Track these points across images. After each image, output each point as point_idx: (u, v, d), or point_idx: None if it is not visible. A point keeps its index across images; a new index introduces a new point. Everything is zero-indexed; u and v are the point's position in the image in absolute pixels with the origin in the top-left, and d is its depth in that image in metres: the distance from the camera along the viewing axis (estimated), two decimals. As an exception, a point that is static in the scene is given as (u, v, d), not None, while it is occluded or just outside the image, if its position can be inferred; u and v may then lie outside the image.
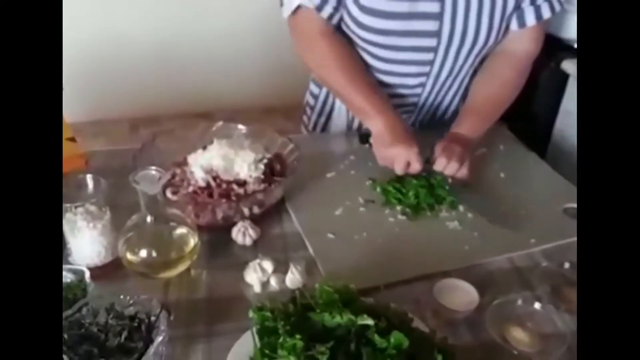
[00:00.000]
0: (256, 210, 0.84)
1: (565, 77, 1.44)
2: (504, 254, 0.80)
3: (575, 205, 0.90)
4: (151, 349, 0.57)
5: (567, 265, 0.76)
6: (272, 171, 0.89)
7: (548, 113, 1.46)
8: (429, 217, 0.88)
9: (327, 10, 0.96)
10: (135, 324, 0.60)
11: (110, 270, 0.74)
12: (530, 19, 0.98)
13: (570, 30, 1.43)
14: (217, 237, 0.81)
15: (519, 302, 0.68)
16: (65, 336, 0.57)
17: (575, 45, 1.48)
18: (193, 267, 0.75)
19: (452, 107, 1.15)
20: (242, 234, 0.80)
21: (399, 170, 0.93)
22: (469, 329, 0.68)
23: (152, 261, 0.72)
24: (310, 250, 0.80)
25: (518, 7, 0.97)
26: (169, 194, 0.84)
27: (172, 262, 0.73)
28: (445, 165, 0.92)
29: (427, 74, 1.02)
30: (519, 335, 0.65)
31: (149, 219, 0.71)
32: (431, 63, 1.00)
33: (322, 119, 1.22)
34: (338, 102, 1.16)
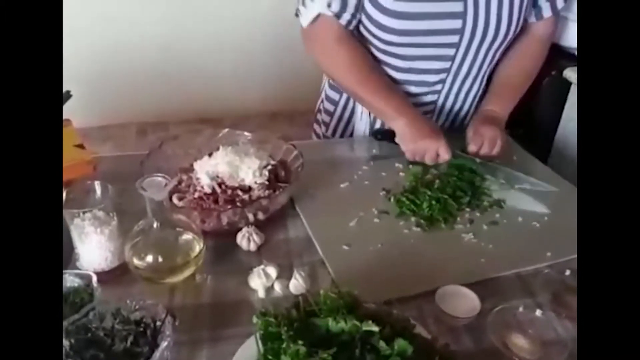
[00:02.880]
0: (260, 216, 0.85)
1: (567, 85, 1.44)
2: (519, 267, 0.79)
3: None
4: (156, 354, 0.58)
5: (568, 272, 0.77)
6: (277, 178, 0.90)
7: (550, 121, 1.47)
8: (443, 229, 0.88)
9: (346, 17, 0.98)
10: (141, 329, 0.61)
11: (116, 275, 0.75)
12: (547, 12, 1.06)
13: (571, 39, 1.44)
14: (222, 242, 0.82)
15: (520, 308, 0.69)
16: (72, 341, 0.58)
17: (577, 53, 1.48)
18: (198, 272, 0.76)
19: (471, 112, 1.17)
20: (247, 239, 0.81)
21: (429, 160, 0.99)
22: (470, 336, 0.68)
23: (158, 266, 0.73)
24: (327, 263, 0.79)
25: (535, 5, 1.05)
26: (175, 200, 0.85)
27: (178, 267, 0.74)
28: (477, 151, 1.00)
29: (447, 70, 1.06)
30: (520, 342, 0.66)
31: (155, 224, 0.72)
32: (452, 58, 1.03)
33: (342, 124, 1.24)
34: (359, 106, 1.18)
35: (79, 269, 0.74)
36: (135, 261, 0.72)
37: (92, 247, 0.74)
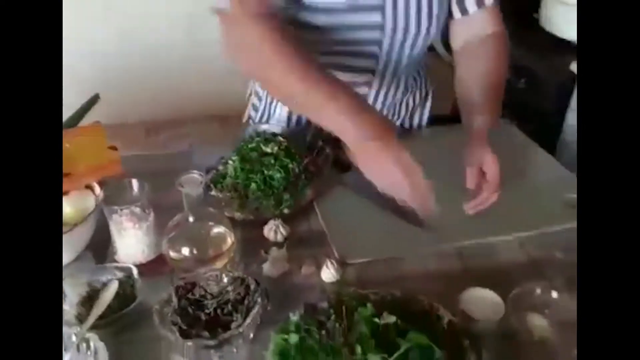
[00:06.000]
0: (286, 210, 0.89)
1: (573, 77, 1.48)
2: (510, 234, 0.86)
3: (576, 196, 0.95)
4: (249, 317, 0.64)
5: (581, 257, 0.81)
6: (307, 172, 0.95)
7: (557, 112, 1.51)
8: None
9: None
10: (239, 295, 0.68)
11: (153, 267, 0.79)
12: (471, 7, 1.01)
13: (573, 32, 1.48)
14: (250, 234, 0.86)
15: (537, 291, 0.73)
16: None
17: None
18: (230, 263, 0.80)
19: (404, 109, 1.15)
20: (274, 232, 0.85)
21: (399, 177, 0.77)
22: (491, 318, 0.72)
23: (193, 258, 0.77)
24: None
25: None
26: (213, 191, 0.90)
27: (211, 259, 0.78)
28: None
29: (373, 70, 1.02)
30: (539, 323, 0.70)
31: (191, 218, 0.76)
32: (377, 57, 0.99)
33: (272, 108, 1.15)
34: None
35: (117, 262, 0.79)
36: (172, 254, 0.76)
37: (130, 241, 0.78)
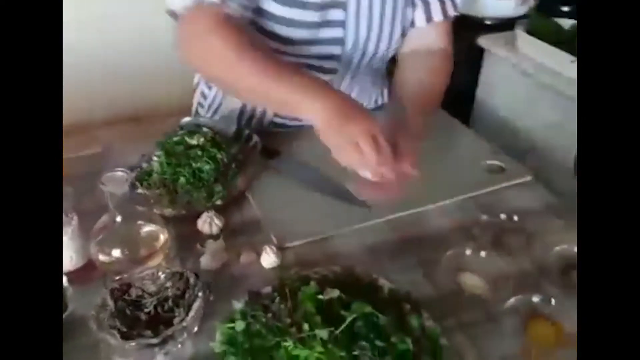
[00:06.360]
0: (218, 202, 0.88)
1: (481, 51, 1.57)
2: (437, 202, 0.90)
3: (495, 162, 1.02)
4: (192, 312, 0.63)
5: (503, 216, 0.86)
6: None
7: (469, 85, 1.59)
8: None
9: (232, 5, 0.84)
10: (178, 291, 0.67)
11: (83, 274, 0.75)
12: (437, 15, 1.02)
13: (480, 8, 1.56)
14: (183, 229, 0.84)
15: (467, 252, 0.77)
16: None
17: (487, 22, 1.61)
18: (165, 261, 0.78)
19: None
20: (208, 224, 0.83)
21: (369, 152, 0.73)
22: (428, 282, 0.75)
23: (125, 259, 0.74)
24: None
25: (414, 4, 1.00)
26: (140, 189, 0.87)
27: (144, 258, 0.75)
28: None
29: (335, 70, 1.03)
30: (471, 281, 0.74)
31: (118, 219, 0.73)
32: (334, 71, 1.02)
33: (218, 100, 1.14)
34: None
35: (42, 274, 0.74)
36: (102, 257, 0.73)
37: (54, 249, 0.73)
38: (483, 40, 1.52)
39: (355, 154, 0.74)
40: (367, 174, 0.77)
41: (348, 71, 1.04)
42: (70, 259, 0.74)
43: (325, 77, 0.99)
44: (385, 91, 1.21)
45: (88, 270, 0.75)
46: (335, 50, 0.98)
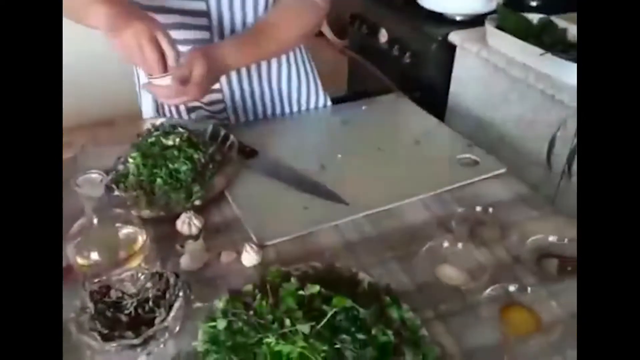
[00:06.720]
0: (197, 202, 0.88)
1: (453, 48, 1.59)
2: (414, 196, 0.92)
3: (469, 156, 1.04)
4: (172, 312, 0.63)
5: (478, 208, 0.88)
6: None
7: (442, 81, 1.62)
8: None
9: None
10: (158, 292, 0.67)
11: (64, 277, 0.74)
12: None
13: (451, 5, 1.58)
14: (162, 230, 0.84)
15: (445, 244, 0.78)
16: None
17: (457, 18, 1.64)
18: (145, 262, 0.78)
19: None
20: (187, 224, 0.83)
21: (148, 51, 0.82)
22: (405, 274, 0.77)
23: (103, 262, 0.73)
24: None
25: None
26: (117, 191, 0.85)
27: (123, 260, 0.74)
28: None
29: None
30: (448, 272, 0.76)
31: (95, 221, 0.72)
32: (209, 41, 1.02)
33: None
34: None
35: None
36: (80, 260, 0.72)
37: (30, 254, 0.72)
38: (454, 36, 1.54)
39: (139, 56, 0.82)
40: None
41: (222, 27, 1.02)
42: (47, 263, 0.73)
43: (199, 34, 1.00)
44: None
45: (66, 274, 0.74)
46: (202, 21, 0.99)
